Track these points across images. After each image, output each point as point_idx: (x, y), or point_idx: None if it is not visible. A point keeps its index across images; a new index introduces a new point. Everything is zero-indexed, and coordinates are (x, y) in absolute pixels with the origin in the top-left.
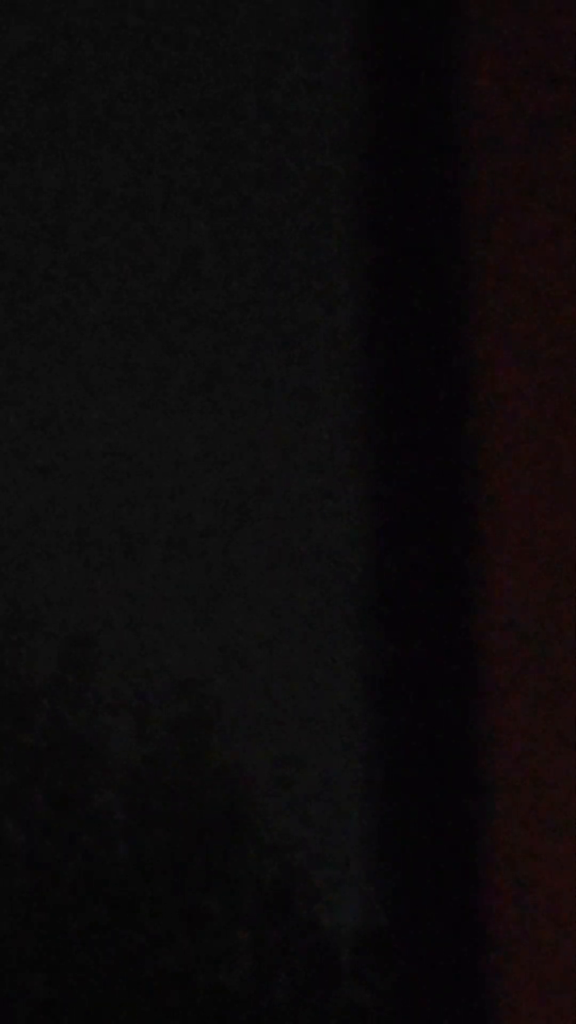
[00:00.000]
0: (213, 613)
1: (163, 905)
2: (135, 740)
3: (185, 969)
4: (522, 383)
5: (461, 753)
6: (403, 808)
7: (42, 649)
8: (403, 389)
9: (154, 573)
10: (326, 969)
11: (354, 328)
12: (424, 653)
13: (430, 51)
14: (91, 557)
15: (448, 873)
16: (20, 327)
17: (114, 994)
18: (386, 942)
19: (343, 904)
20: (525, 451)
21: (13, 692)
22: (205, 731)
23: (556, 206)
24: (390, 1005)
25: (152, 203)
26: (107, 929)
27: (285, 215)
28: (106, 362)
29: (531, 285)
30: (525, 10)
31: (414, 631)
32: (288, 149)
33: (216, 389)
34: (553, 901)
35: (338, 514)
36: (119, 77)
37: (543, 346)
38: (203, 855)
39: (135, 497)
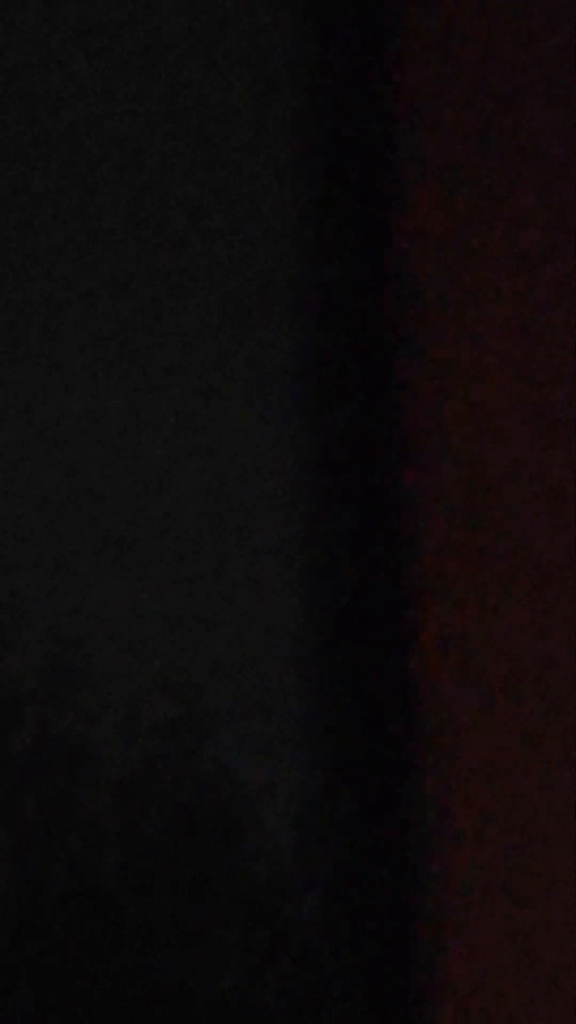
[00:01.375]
0: (201, 614)
1: (152, 910)
2: (124, 744)
3: (175, 975)
4: (453, 355)
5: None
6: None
7: (29, 653)
8: (335, 361)
9: (140, 574)
10: (317, 972)
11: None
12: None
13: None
14: (76, 559)
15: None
16: None
17: (103, 1002)
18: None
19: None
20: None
21: (0, 697)
22: (195, 734)
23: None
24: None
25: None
26: (95, 935)
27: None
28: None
29: (463, 279)
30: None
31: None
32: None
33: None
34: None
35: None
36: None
37: (473, 330)
38: (193, 860)
39: (119, 497)
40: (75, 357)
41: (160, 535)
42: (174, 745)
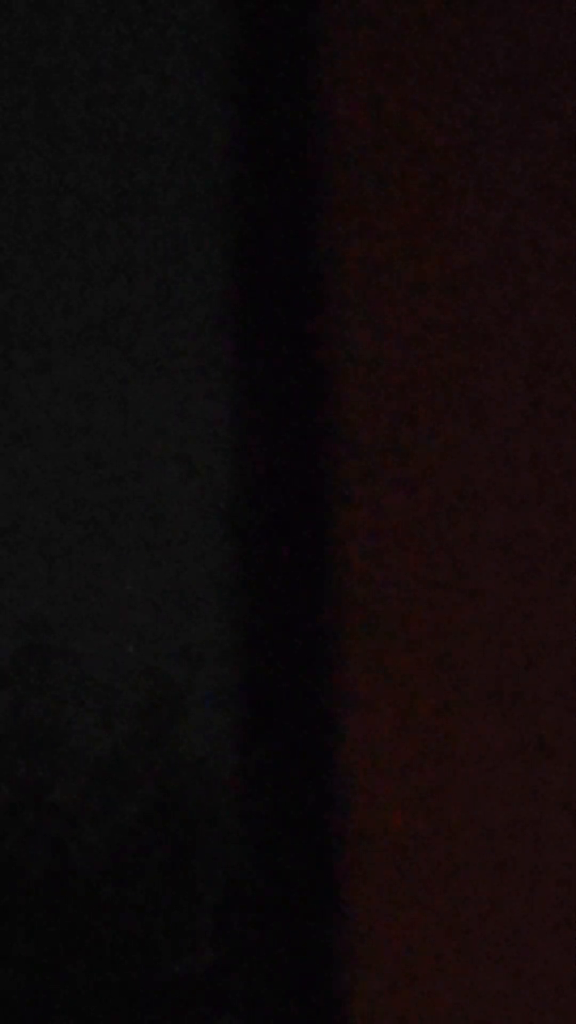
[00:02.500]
0: (173, 598)
1: (128, 893)
2: (99, 727)
3: (149, 957)
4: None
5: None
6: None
7: (1, 635)
8: (265, 342)
9: (113, 557)
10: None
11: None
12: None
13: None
14: (50, 540)
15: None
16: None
17: (79, 985)
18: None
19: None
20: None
21: None
22: (171, 717)
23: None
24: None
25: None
26: (71, 918)
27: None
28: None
29: (386, 276)
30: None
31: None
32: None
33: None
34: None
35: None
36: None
37: (397, 326)
38: (169, 843)
39: (94, 477)
40: (47, 342)
41: (137, 517)
42: (150, 728)
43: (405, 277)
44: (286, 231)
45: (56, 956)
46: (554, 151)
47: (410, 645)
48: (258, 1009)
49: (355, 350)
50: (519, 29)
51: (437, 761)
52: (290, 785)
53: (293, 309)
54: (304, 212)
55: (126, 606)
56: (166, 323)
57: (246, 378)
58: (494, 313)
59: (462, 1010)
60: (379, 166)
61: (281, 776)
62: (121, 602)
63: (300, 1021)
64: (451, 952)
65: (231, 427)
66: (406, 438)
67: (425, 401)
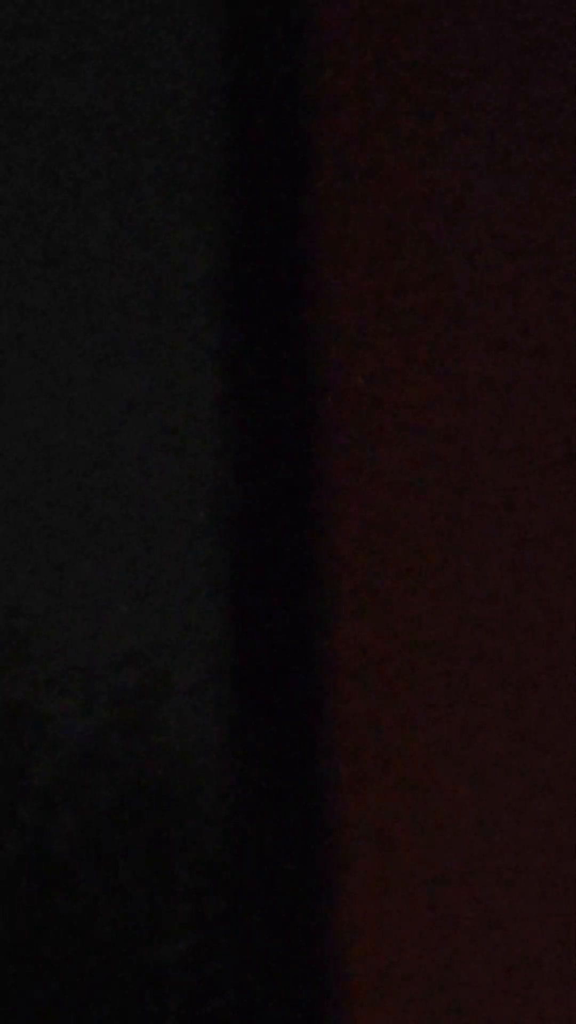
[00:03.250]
0: (156, 582)
1: (106, 880)
2: (79, 713)
3: (128, 943)
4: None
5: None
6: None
7: None
8: (258, 353)
9: (95, 543)
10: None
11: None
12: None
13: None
14: (26, 526)
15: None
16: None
17: (57, 971)
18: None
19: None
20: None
21: None
22: (152, 703)
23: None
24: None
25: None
26: (49, 905)
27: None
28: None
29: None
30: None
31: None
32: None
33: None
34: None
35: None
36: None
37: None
38: (148, 829)
39: (74, 468)
40: (24, 327)
41: (116, 505)
42: (130, 714)
43: (395, 267)
44: (275, 218)
45: (32, 943)
46: (550, 142)
47: (400, 634)
48: (244, 995)
49: (345, 337)
50: (515, 21)
51: (428, 749)
52: (275, 772)
53: (282, 298)
54: (293, 199)
55: (108, 591)
56: (151, 307)
57: (234, 368)
58: (485, 298)
59: (451, 996)
60: (369, 155)
61: (266, 763)
62: (103, 587)
63: (286, 1004)
64: (438, 939)
65: (217, 412)
66: (397, 425)
67: (416, 387)
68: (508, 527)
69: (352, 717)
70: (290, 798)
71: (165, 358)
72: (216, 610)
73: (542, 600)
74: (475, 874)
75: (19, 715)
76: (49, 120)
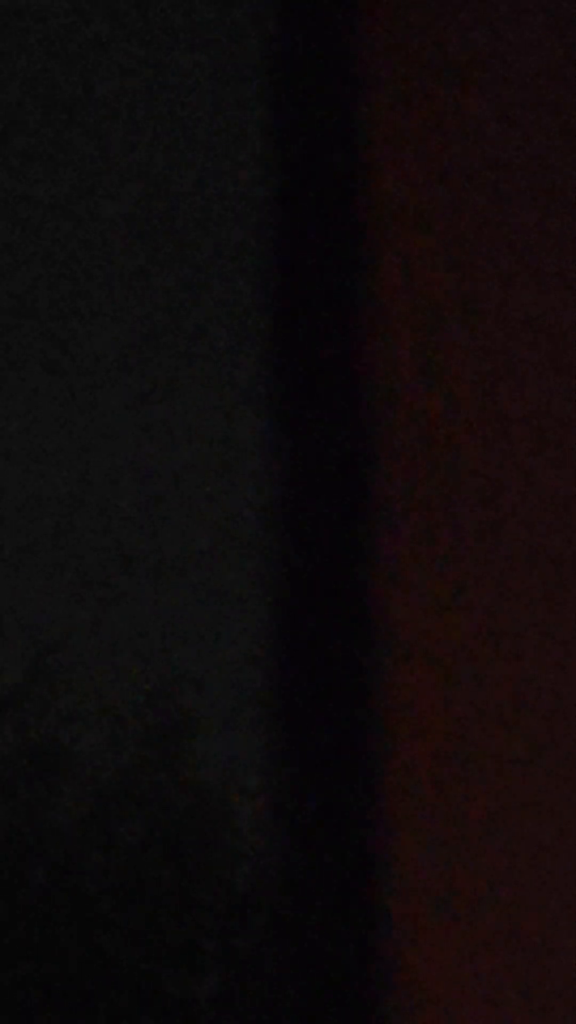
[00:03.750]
0: (185, 624)
1: (132, 916)
2: (107, 750)
3: (152, 979)
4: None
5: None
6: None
7: (7, 659)
8: (307, 374)
9: (121, 583)
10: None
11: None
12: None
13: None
14: (56, 566)
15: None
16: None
17: (82, 1006)
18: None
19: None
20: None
21: None
22: (178, 741)
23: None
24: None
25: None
26: (75, 940)
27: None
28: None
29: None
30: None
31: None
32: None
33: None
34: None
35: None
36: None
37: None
38: (174, 865)
39: (108, 506)
40: (78, 370)
41: (148, 546)
42: (157, 752)
43: (448, 283)
44: (325, 237)
45: (62, 977)
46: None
47: (452, 675)
48: None
49: (399, 364)
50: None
51: (475, 787)
52: (307, 809)
53: (334, 323)
54: (344, 208)
55: (137, 631)
56: (200, 337)
57: (280, 406)
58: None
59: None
60: (422, 164)
61: (298, 800)
62: (132, 627)
63: None
64: (491, 986)
65: (256, 456)
66: (448, 457)
67: (470, 421)
68: (562, 552)
69: (392, 752)
70: (322, 835)
71: (213, 395)
72: (247, 650)
73: None
74: (544, 929)
75: (49, 752)
76: (97, 137)
